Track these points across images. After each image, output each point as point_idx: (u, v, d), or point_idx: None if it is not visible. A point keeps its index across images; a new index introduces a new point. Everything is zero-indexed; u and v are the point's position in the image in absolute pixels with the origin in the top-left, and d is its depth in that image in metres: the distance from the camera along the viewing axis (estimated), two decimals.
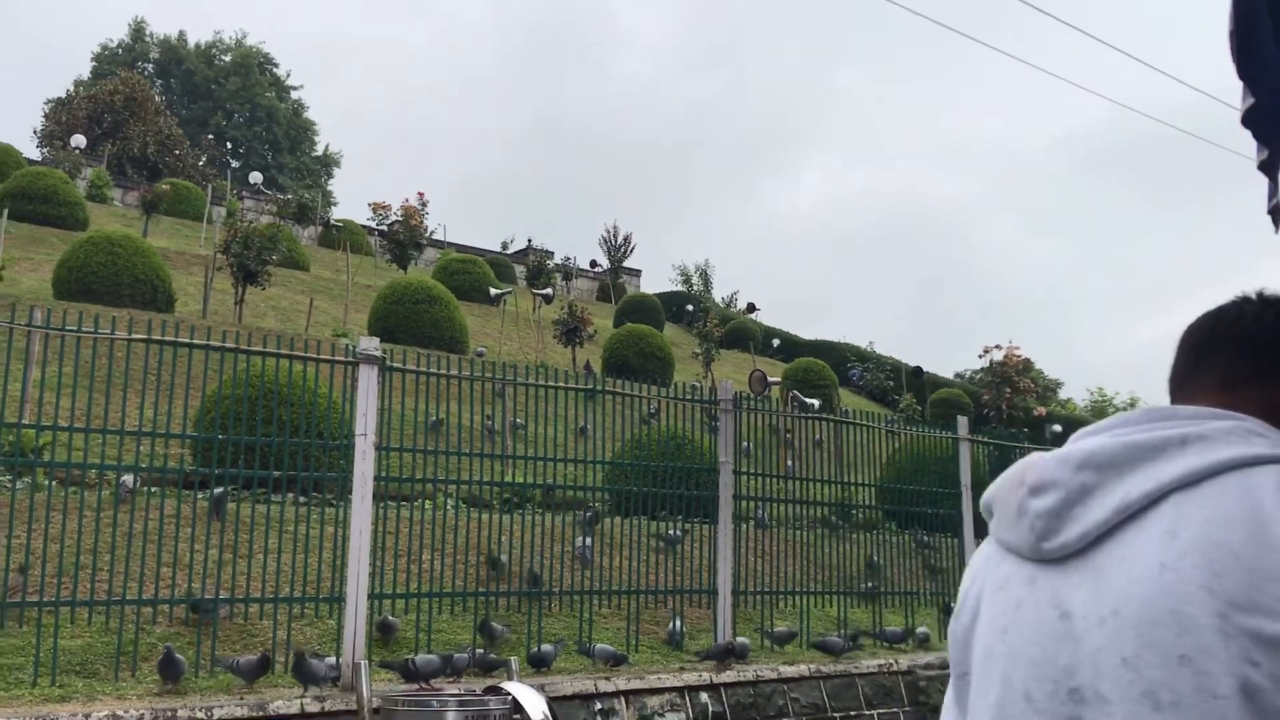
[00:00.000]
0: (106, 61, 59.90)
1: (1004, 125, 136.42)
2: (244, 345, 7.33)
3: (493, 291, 27.10)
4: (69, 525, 7.22)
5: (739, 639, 8.69)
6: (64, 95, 49.62)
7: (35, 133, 50.18)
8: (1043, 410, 24.73)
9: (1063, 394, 49.50)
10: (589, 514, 9.39)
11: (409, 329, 19.63)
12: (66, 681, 6.34)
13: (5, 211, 22.66)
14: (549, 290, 29.34)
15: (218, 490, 7.80)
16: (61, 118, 46.55)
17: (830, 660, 8.99)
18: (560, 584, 8.63)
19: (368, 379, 7.26)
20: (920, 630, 10.14)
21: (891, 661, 9.27)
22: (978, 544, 8.16)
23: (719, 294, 48.89)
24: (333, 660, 6.73)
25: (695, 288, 47.42)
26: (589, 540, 9.22)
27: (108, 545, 7.22)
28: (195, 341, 7.08)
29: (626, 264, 44.41)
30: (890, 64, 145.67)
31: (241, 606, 7.33)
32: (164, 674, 6.39)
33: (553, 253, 39.64)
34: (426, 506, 8.62)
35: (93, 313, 7.75)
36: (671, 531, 9.46)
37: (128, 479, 7.42)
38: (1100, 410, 47.96)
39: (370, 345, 7.38)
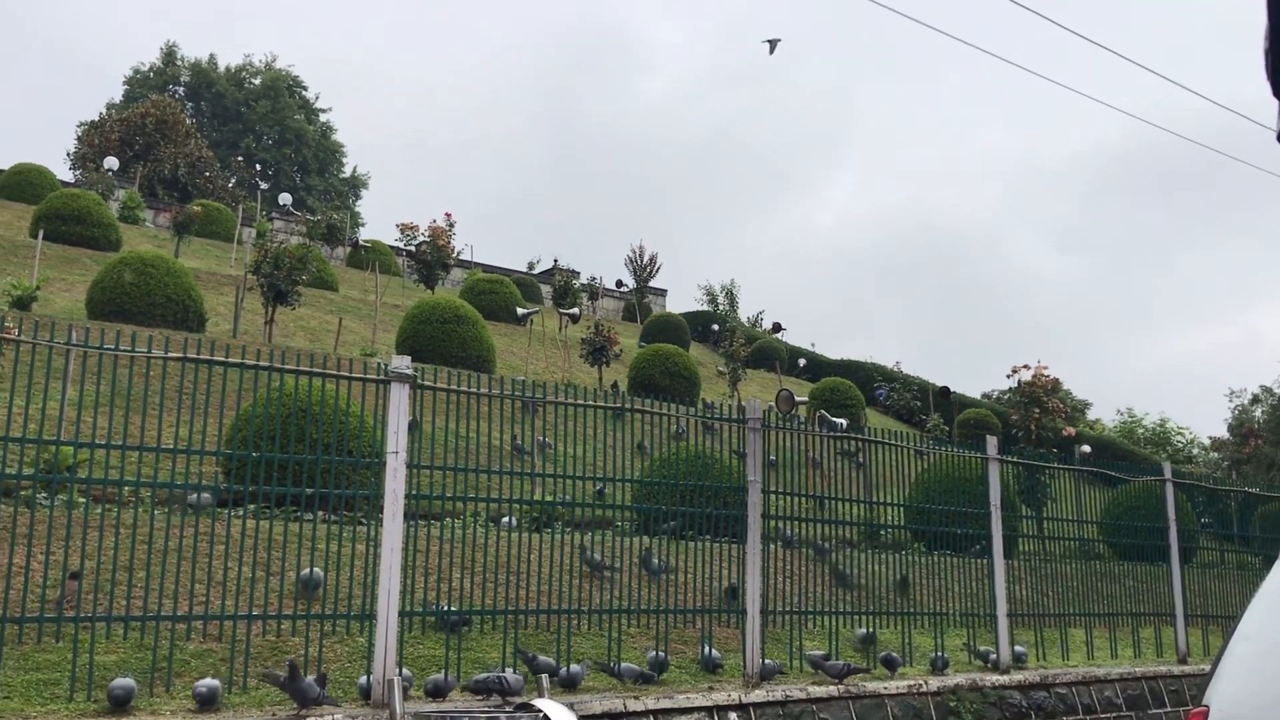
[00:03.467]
0: (138, 85, 60.76)
1: (1025, 141, 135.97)
2: (277, 364, 7.40)
3: (519, 311, 27.24)
4: (104, 542, 7.30)
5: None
6: (97, 118, 50.27)
7: (69, 155, 50.86)
8: (1072, 430, 24.53)
9: (1091, 414, 49.15)
10: (649, 557, 9.40)
11: (437, 348, 19.76)
12: (102, 697, 6.40)
13: (40, 233, 23.03)
14: (575, 310, 29.45)
15: (306, 572, 7.88)
16: (94, 140, 47.16)
17: (864, 680, 8.95)
18: (589, 603, 8.64)
19: (399, 397, 7.31)
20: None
21: (921, 682, 9.22)
22: (1008, 565, 8.09)
23: (745, 313, 48.91)
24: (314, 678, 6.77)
25: (721, 307, 47.46)
26: (655, 561, 9.24)
27: (142, 562, 7.29)
28: (229, 360, 7.16)
29: (652, 284, 44.57)
30: (912, 81, 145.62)
31: (274, 623, 7.38)
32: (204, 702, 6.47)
33: (579, 273, 39.77)
34: (455, 525, 8.66)
35: (126, 332, 7.84)
36: (655, 561, 9.36)
37: (206, 496, 7.54)
38: (1129, 431, 47.56)
39: (402, 363, 7.44)
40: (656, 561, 9.31)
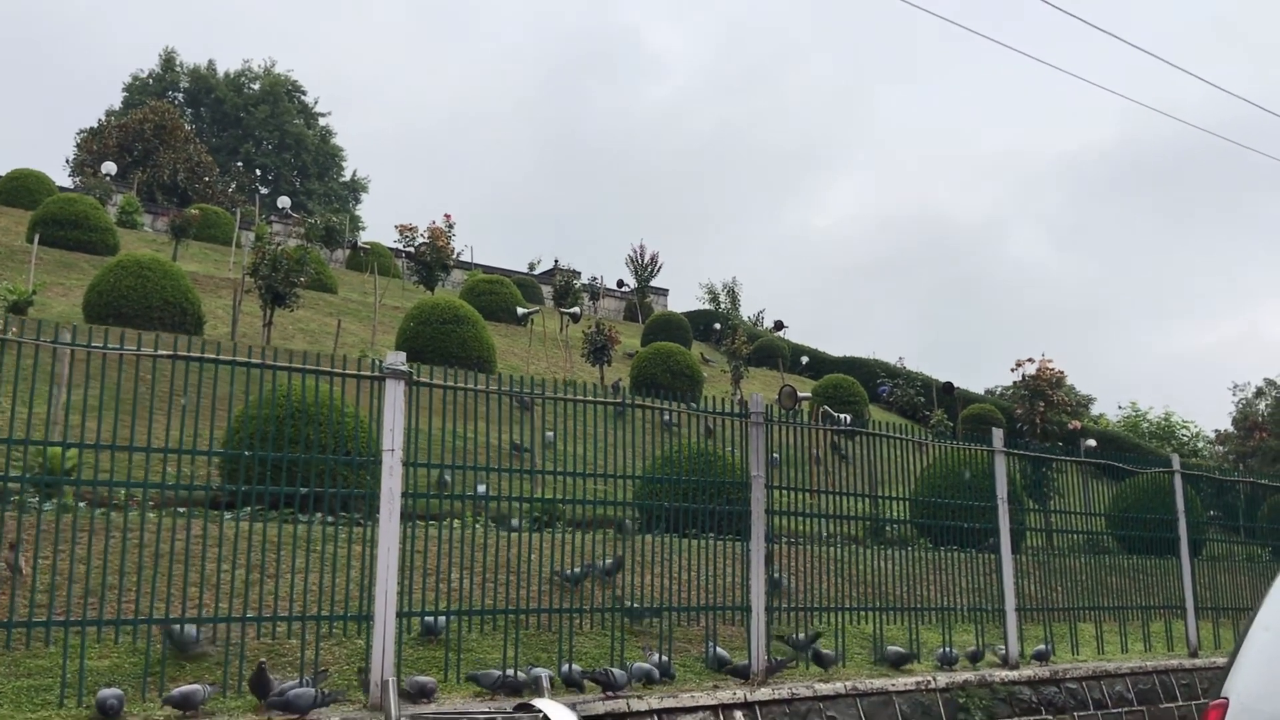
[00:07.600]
0: (138, 91, 60.71)
1: (1027, 139, 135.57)
2: (270, 361, 7.27)
3: (519, 311, 27.09)
4: (96, 545, 7.16)
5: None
6: (96, 125, 50.23)
7: (68, 162, 50.92)
8: (1077, 424, 24.37)
9: (1095, 409, 48.95)
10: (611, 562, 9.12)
11: (437, 349, 19.63)
12: (94, 702, 6.27)
13: (37, 237, 22.91)
14: (576, 310, 29.32)
15: (179, 691, 7.19)
16: (93, 147, 47.13)
17: (871, 676, 8.82)
18: (591, 601, 8.51)
19: (394, 394, 7.19)
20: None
21: (930, 678, 9.08)
22: (1015, 559, 7.94)
23: (746, 312, 48.79)
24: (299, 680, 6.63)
25: (723, 306, 47.34)
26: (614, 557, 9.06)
27: (135, 565, 7.16)
28: (222, 358, 7.03)
29: (654, 283, 44.46)
30: (915, 81, 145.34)
31: (269, 626, 7.25)
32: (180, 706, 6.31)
33: (579, 273, 39.66)
34: (454, 524, 8.53)
35: (123, 335, 7.71)
36: (573, 571, 8.75)
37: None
38: (1134, 425, 47.39)
39: (397, 360, 7.31)
40: (572, 571, 8.85)
